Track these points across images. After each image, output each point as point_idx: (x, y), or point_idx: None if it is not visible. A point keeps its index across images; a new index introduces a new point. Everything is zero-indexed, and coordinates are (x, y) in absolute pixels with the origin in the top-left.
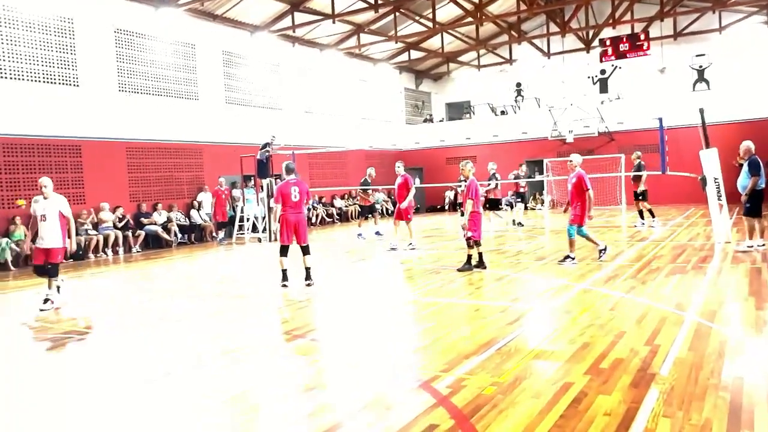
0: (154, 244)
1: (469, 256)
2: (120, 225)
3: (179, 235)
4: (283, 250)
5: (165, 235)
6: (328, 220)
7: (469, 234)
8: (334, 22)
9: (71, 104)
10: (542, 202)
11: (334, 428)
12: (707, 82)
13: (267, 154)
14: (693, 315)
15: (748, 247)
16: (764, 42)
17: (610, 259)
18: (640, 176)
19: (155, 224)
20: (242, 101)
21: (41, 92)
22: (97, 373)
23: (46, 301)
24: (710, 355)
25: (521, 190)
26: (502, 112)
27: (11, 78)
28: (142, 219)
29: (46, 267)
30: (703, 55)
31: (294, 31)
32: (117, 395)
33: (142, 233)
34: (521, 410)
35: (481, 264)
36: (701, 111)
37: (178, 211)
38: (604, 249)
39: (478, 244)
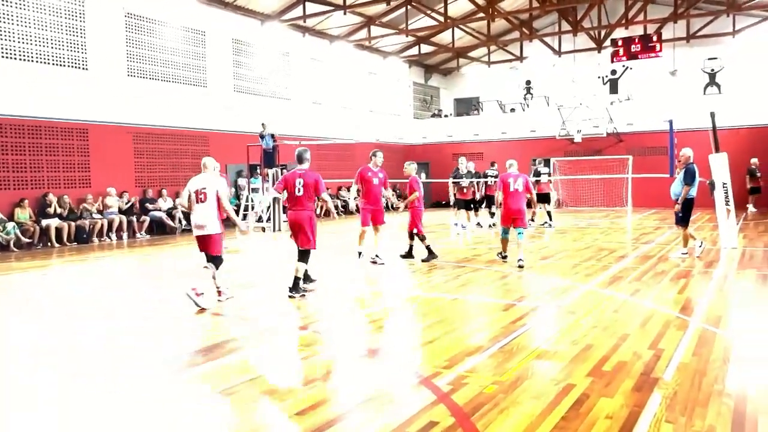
0: (158, 230)
1: (422, 248)
2: (125, 209)
3: (183, 222)
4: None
5: (169, 222)
6: (332, 211)
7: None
8: (345, 14)
9: (79, 87)
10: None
11: (334, 422)
12: (718, 86)
13: (273, 143)
14: (698, 320)
15: (682, 254)
16: None
17: (615, 261)
18: (538, 181)
19: (160, 210)
20: (251, 90)
21: (50, 74)
22: (103, 357)
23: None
24: (714, 361)
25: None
26: (512, 110)
27: (20, 59)
28: (148, 204)
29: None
30: (716, 58)
31: (305, 21)
32: (117, 383)
33: (147, 219)
34: (522, 410)
35: (431, 255)
36: (712, 115)
37: None
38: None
39: (420, 237)
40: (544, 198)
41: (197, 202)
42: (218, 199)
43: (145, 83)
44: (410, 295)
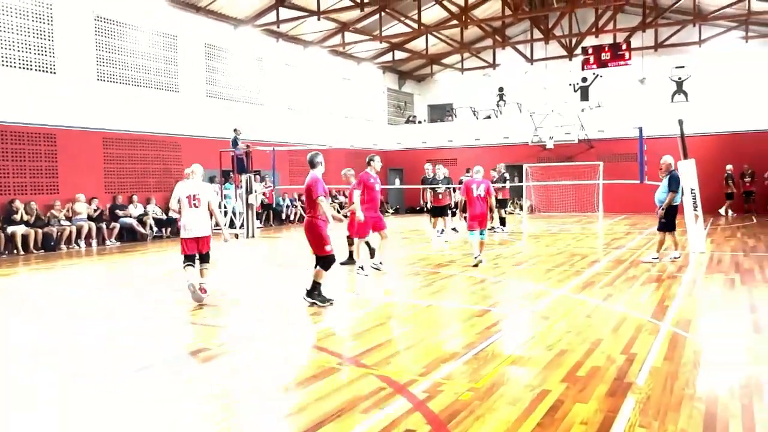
0: (129, 237)
1: (351, 252)
2: (94, 216)
3: (155, 229)
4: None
5: (140, 229)
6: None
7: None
8: (319, 19)
9: (47, 91)
10: (521, 207)
11: (310, 431)
12: (686, 94)
13: (247, 149)
14: (668, 324)
15: (653, 258)
16: (742, 57)
17: (588, 266)
18: (504, 186)
19: (131, 217)
20: (224, 95)
21: (16, 78)
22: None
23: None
24: (686, 364)
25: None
26: (487, 117)
27: None
28: (118, 211)
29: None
30: (683, 67)
31: (278, 27)
32: (97, 389)
33: (117, 225)
34: (498, 417)
35: (350, 260)
36: (680, 122)
37: (155, 205)
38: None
39: (350, 241)
40: (504, 203)
41: (190, 207)
42: (209, 205)
43: (115, 88)
44: (385, 301)
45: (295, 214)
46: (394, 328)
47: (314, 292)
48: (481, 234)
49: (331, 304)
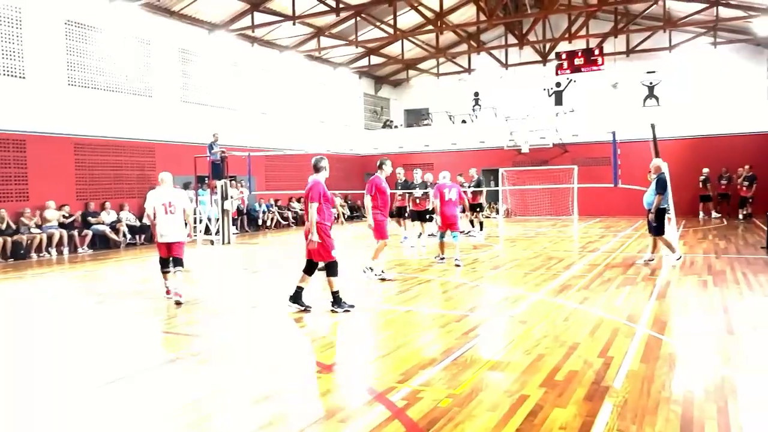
0: (101, 244)
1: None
2: (66, 223)
3: (128, 236)
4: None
5: (113, 236)
6: (283, 223)
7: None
8: (294, 24)
9: (16, 97)
10: (497, 211)
11: None
12: (657, 99)
13: (224, 155)
14: (644, 327)
15: (647, 260)
16: (711, 62)
17: (564, 269)
18: (481, 191)
19: (103, 224)
20: (198, 100)
21: None
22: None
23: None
24: (661, 367)
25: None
26: (463, 122)
27: None
28: (90, 218)
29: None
30: (654, 72)
31: (253, 31)
32: (68, 400)
33: (89, 233)
34: (477, 423)
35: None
36: (653, 126)
37: (129, 212)
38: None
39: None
40: (474, 207)
41: (166, 213)
42: (184, 211)
43: (87, 93)
44: (362, 307)
45: (272, 219)
46: (372, 335)
47: (337, 300)
48: (453, 237)
49: (309, 311)
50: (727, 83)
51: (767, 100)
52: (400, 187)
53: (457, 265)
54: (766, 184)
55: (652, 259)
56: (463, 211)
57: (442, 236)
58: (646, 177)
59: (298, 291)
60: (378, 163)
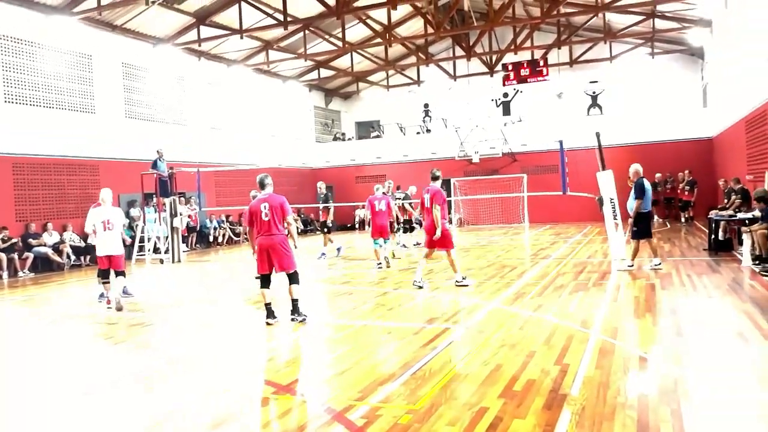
0: (44, 266)
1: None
2: (4, 246)
3: (72, 257)
4: (263, 281)
5: (56, 258)
6: (235, 239)
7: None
8: (242, 38)
9: None
10: (450, 221)
11: None
12: (600, 107)
13: (170, 171)
14: (597, 332)
15: (628, 266)
16: (649, 72)
17: (517, 277)
18: (329, 208)
19: (45, 245)
20: (144, 116)
21: None
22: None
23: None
24: (616, 372)
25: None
26: (417, 133)
27: None
28: (31, 240)
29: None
30: (596, 81)
31: (200, 45)
32: (41, 412)
33: (31, 255)
34: None
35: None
36: (597, 135)
37: (73, 232)
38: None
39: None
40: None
41: (105, 230)
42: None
43: (25, 110)
44: (318, 323)
45: (223, 235)
46: (328, 351)
47: (297, 309)
48: (385, 242)
49: (270, 323)
50: (666, 91)
51: (702, 107)
52: (321, 201)
53: (384, 266)
54: (705, 188)
55: (632, 265)
56: (398, 222)
57: (375, 243)
58: (625, 183)
59: (294, 303)
60: (434, 174)
